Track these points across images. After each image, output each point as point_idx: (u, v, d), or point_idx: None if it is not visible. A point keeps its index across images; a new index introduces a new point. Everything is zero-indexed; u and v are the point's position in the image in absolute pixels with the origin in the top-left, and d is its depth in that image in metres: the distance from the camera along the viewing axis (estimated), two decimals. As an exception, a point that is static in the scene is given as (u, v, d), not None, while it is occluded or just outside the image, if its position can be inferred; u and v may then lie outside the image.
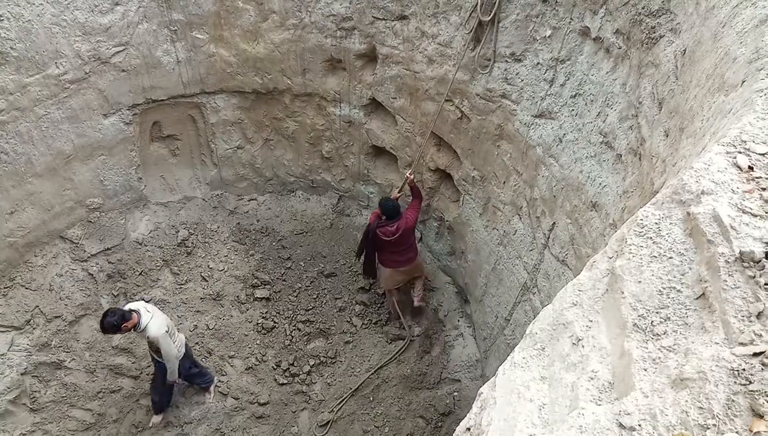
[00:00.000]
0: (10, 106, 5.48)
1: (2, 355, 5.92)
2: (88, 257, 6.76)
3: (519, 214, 5.37)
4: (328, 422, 6.41)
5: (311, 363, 6.79)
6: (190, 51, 6.47)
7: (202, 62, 6.62)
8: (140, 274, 6.95)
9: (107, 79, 6.10)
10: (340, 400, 6.55)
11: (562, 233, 4.50)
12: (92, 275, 6.73)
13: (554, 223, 4.65)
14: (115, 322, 5.00)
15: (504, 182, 5.55)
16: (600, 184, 3.95)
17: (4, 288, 6.19)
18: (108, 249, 6.91)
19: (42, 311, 6.29)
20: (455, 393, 6.61)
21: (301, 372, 6.72)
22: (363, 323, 7.15)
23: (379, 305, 7.27)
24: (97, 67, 5.96)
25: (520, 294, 5.39)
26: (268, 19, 6.30)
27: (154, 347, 5.42)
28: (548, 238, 4.76)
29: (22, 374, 5.93)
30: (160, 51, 6.29)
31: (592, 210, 4.02)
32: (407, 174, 6.38)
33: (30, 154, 5.88)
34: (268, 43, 6.48)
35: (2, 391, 5.77)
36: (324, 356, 6.87)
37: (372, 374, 6.73)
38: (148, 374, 6.46)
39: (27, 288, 6.31)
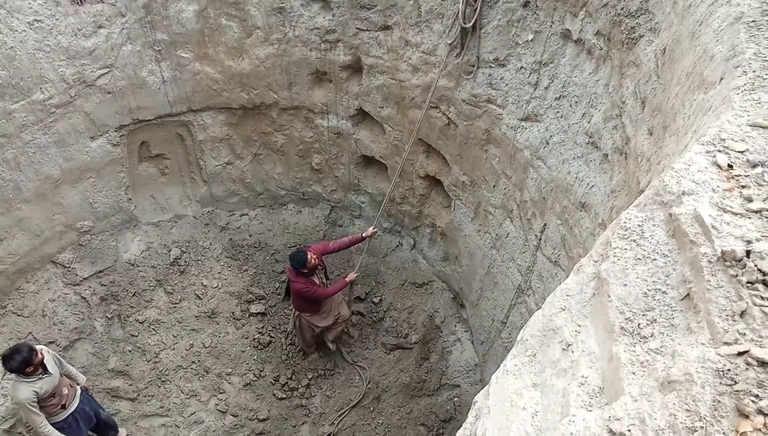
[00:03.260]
0: (-4, 133, 5.46)
1: (-3, 383, 5.86)
2: (81, 281, 6.72)
3: (510, 217, 5.38)
4: (329, 434, 6.38)
5: (309, 376, 6.76)
6: (176, 70, 6.47)
7: (188, 80, 6.62)
8: (134, 295, 6.91)
9: (93, 102, 6.09)
10: (341, 412, 6.52)
11: (553, 234, 4.51)
12: (85, 298, 6.69)
13: (545, 224, 4.67)
14: (27, 356, 4.61)
15: (494, 186, 5.57)
16: (588, 184, 3.97)
17: (-3, 316, 6.14)
18: (100, 272, 6.87)
19: (35, 338, 6.23)
20: (455, 399, 6.60)
21: (299, 386, 6.69)
22: (360, 334, 7.13)
23: (374, 315, 7.26)
24: (83, 91, 5.95)
25: (515, 296, 5.40)
26: (252, 34, 6.32)
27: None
28: (540, 239, 4.77)
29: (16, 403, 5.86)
30: (145, 71, 6.29)
31: (581, 210, 4.03)
32: (371, 229, 6.36)
33: (17, 180, 5.85)
34: (253, 58, 6.49)
35: (-2, 420, 5.71)
36: (322, 369, 6.85)
37: (369, 384, 6.71)
38: (145, 396, 6.42)
39: (19, 315, 6.26)
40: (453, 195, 6.39)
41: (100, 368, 6.43)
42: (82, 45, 5.69)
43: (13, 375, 4.79)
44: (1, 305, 6.18)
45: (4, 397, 5.83)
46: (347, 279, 6.34)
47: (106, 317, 6.72)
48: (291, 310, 6.90)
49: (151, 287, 7.04)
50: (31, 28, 5.31)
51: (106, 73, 6.01)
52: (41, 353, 4.79)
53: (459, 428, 1.78)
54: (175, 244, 7.43)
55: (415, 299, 7.32)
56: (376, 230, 6.44)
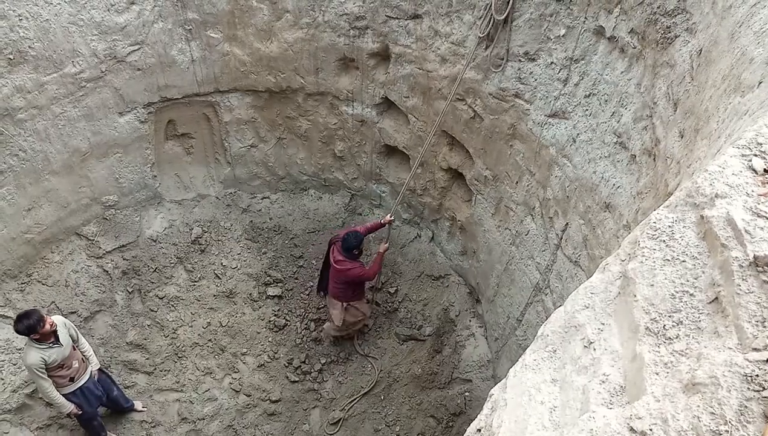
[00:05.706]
0: (28, 105, 5.56)
1: (19, 349, 6.00)
2: (104, 254, 6.84)
3: (532, 215, 5.35)
4: (339, 420, 6.44)
5: (323, 361, 6.82)
6: (205, 50, 6.52)
7: (217, 61, 6.67)
8: (154, 271, 7.02)
9: (123, 78, 6.17)
10: (352, 399, 6.57)
11: (575, 233, 4.47)
12: (107, 271, 6.81)
13: (567, 223, 4.63)
14: (33, 322, 4.71)
15: (517, 182, 5.53)
16: (614, 185, 3.92)
17: (21, 284, 6.28)
18: (123, 246, 6.99)
19: (58, 307, 6.38)
20: (466, 393, 6.60)
21: (312, 370, 6.76)
22: (374, 323, 7.17)
23: (389, 305, 7.28)
24: (113, 66, 6.02)
25: (532, 295, 5.37)
26: (282, 18, 6.33)
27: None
28: (561, 238, 4.73)
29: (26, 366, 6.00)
30: (175, 50, 6.35)
31: (605, 211, 3.99)
32: (388, 216, 6.38)
33: (47, 151, 5.97)
34: (281, 42, 6.51)
35: (20, 385, 5.86)
36: (335, 355, 6.90)
37: (381, 373, 6.74)
38: (162, 371, 6.54)
39: (43, 284, 6.40)
40: (474, 189, 6.36)
41: (118, 341, 6.56)
42: (114, 20, 5.75)
43: (27, 339, 4.92)
44: (27, 273, 6.33)
45: (26, 363, 5.98)
46: (381, 250, 6.35)
47: (127, 290, 6.84)
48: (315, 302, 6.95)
49: (172, 264, 7.14)
50: (65, 2, 5.38)
51: (136, 49, 6.07)
52: (51, 324, 4.86)
53: (469, 423, 1.78)
54: (197, 223, 7.52)
55: (431, 292, 7.33)
56: (393, 218, 6.47)
